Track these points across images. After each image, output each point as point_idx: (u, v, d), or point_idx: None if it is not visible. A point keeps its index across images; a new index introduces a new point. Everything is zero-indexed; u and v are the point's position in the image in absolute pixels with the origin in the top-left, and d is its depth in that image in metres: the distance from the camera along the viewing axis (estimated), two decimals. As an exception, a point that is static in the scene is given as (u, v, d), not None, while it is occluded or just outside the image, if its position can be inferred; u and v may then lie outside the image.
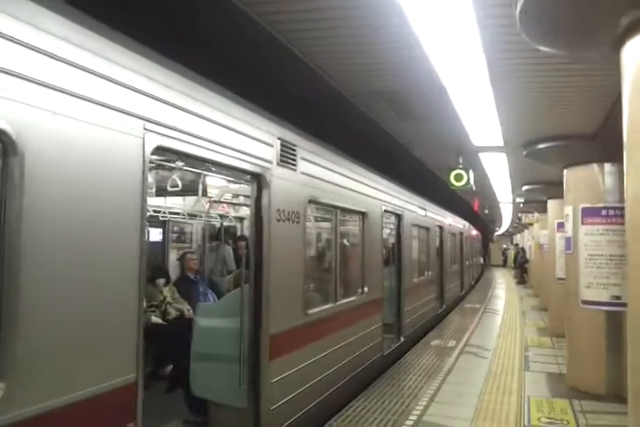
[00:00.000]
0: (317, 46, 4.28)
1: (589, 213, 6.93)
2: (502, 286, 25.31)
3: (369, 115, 5.90)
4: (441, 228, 14.55)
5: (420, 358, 8.51)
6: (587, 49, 3.56)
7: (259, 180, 4.57)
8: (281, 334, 4.75)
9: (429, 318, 11.98)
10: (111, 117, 2.92)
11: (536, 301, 17.09)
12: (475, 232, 27.34)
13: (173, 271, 8.28)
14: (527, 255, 25.93)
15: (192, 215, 7.94)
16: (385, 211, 8.47)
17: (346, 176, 6.72)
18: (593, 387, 6.64)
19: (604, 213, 6.83)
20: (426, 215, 12.20)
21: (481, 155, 8.51)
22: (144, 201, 3.17)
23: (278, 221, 4.81)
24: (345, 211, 7.03)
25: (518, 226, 28.35)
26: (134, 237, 3.07)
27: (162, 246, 8.81)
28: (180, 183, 5.69)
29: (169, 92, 3.44)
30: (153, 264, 7.73)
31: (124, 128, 3.02)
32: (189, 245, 9.49)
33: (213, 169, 5.26)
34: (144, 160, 3.15)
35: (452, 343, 9.73)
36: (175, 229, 9.01)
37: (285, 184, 4.99)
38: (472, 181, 8.37)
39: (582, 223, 6.98)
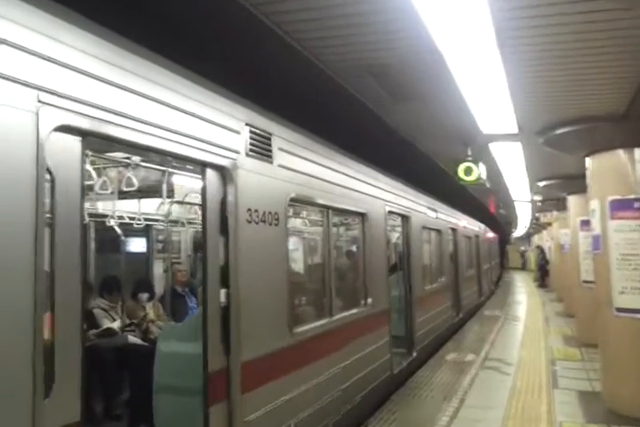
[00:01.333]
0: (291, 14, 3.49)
1: (619, 207, 6.04)
2: (522, 290, 24.26)
3: (360, 97, 5.08)
4: (454, 230, 13.65)
5: (434, 375, 7.62)
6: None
7: (221, 173, 3.76)
8: (257, 361, 3.91)
9: (445, 329, 11.07)
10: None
11: (560, 306, 16.05)
12: (491, 234, 26.33)
13: (159, 285, 7.53)
14: (547, 256, 24.88)
15: (174, 222, 7.15)
16: (389, 212, 7.61)
17: (340, 172, 5.89)
18: (636, 410, 5.71)
19: (636, 205, 5.95)
20: (437, 217, 11.33)
21: (492, 145, 7.63)
22: (41, 205, 2.36)
23: (249, 222, 3.98)
24: (340, 212, 6.20)
25: (536, 226, 27.25)
26: (23, 255, 2.26)
27: (145, 257, 8.03)
28: (135, 182, 4.86)
29: (82, 57, 2.64)
30: (135, 277, 7.00)
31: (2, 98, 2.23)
32: (177, 256, 8.69)
33: (176, 164, 4.45)
34: (39, 145, 2.35)
35: (470, 357, 8.81)
36: (160, 237, 8.21)
37: (259, 179, 4.18)
38: (483, 175, 7.49)
39: (611, 218, 6.09)
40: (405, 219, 8.71)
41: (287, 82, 5.31)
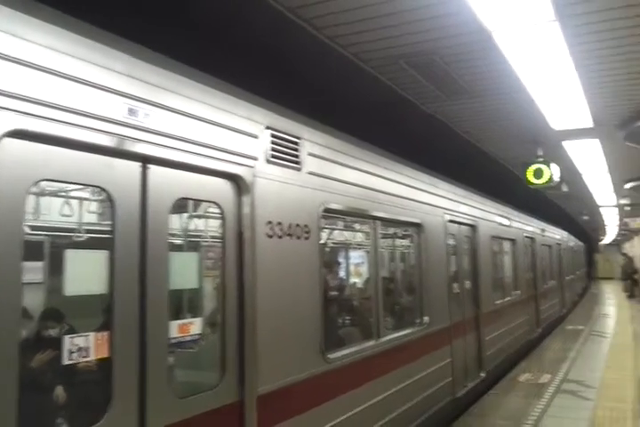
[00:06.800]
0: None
1: None
2: (611, 301, 22.52)
3: (402, 92, 4.57)
4: (532, 239, 12.71)
5: (502, 399, 6.89)
6: None
7: (236, 182, 3.37)
8: (279, 392, 3.47)
9: (520, 346, 10.20)
10: None
11: (653, 319, 14.66)
12: (575, 242, 24.70)
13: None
14: (637, 264, 23.11)
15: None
16: (450, 221, 6.99)
17: (387, 179, 5.39)
18: None
19: None
20: (510, 225, 10.52)
21: (566, 143, 6.87)
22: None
23: (270, 236, 3.56)
24: (389, 222, 5.67)
25: (627, 233, 25.34)
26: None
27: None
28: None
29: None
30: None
31: None
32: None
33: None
34: None
35: (545, 378, 7.96)
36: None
37: (283, 188, 3.76)
38: (556, 177, 6.73)
39: None
40: (472, 228, 8.04)
41: (320, 80, 4.92)
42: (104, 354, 2.52)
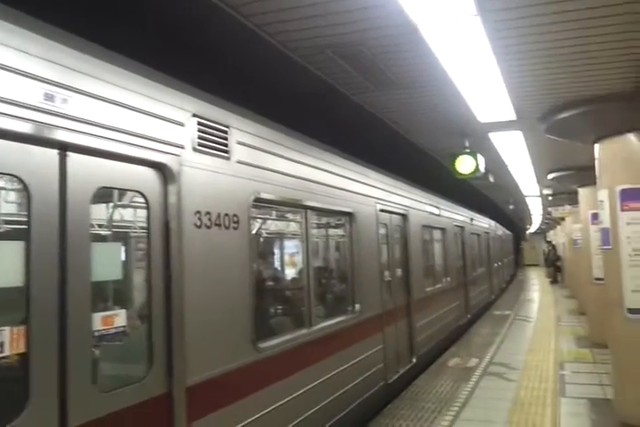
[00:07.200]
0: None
1: (631, 196, 5.51)
2: (536, 287, 23.60)
3: (332, 82, 4.59)
4: (461, 228, 13.11)
5: (433, 383, 7.11)
6: None
7: (161, 171, 3.29)
8: (208, 383, 3.44)
9: (450, 332, 10.54)
10: None
11: (573, 303, 15.46)
12: (503, 231, 25.69)
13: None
14: (560, 253, 24.34)
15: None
16: (381, 211, 7.11)
17: (318, 168, 5.41)
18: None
19: (650, 194, 5.41)
20: (440, 214, 10.80)
21: (492, 135, 7.09)
22: None
23: (198, 227, 3.52)
24: (321, 212, 5.71)
25: (550, 222, 26.54)
26: None
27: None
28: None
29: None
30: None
31: None
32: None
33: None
34: None
35: (473, 362, 8.27)
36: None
37: (211, 177, 3.71)
38: (482, 168, 6.95)
39: (622, 210, 5.55)
40: (402, 217, 8.21)
41: (249, 69, 4.85)
42: (20, 349, 2.42)
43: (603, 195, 5.80)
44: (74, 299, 2.62)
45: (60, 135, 2.59)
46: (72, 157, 2.68)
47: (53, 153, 2.59)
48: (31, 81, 2.49)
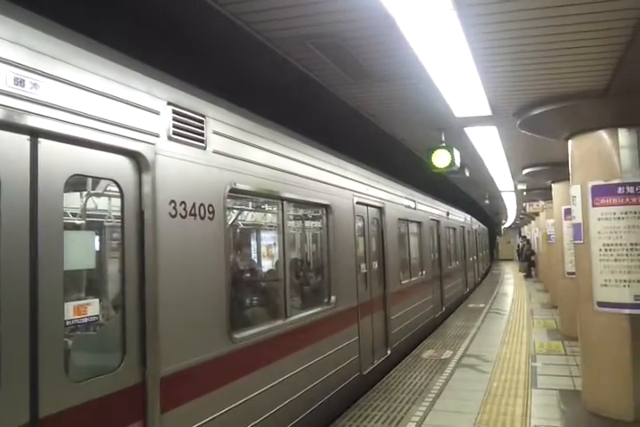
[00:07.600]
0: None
1: (602, 192, 5.59)
2: (510, 281, 23.94)
3: (310, 74, 4.57)
4: (437, 222, 13.22)
5: (407, 375, 7.18)
6: None
7: (136, 159, 3.26)
8: (183, 373, 3.44)
9: (425, 324, 10.64)
10: None
11: (546, 297, 15.72)
12: (479, 226, 25.98)
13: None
14: (533, 247, 24.74)
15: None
16: (358, 203, 7.13)
17: (296, 160, 5.40)
18: (618, 412, 5.29)
19: (620, 190, 5.50)
20: (416, 208, 10.87)
21: (468, 130, 7.15)
22: None
23: (173, 216, 3.49)
24: (297, 203, 5.71)
25: (524, 217, 26.91)
26: None
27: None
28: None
29: None
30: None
31: None
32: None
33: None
34: None
35: (447, 354, 8.37)
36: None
37: (187, 167, 3.68)
38: (457, 162, 7.00)
39: (593, 205, 5.64)
40: (379, 210, 8.25)
41: (227, 58, 4.80)
42: (-11, 338, 2.38)
43: (575, 191, 5.89)
44: (45, 288, 2.59)
45: (31, 121, 2.55)
46: (44, 144, 2.63)
47: (24, 139, 2.55)
48: None
